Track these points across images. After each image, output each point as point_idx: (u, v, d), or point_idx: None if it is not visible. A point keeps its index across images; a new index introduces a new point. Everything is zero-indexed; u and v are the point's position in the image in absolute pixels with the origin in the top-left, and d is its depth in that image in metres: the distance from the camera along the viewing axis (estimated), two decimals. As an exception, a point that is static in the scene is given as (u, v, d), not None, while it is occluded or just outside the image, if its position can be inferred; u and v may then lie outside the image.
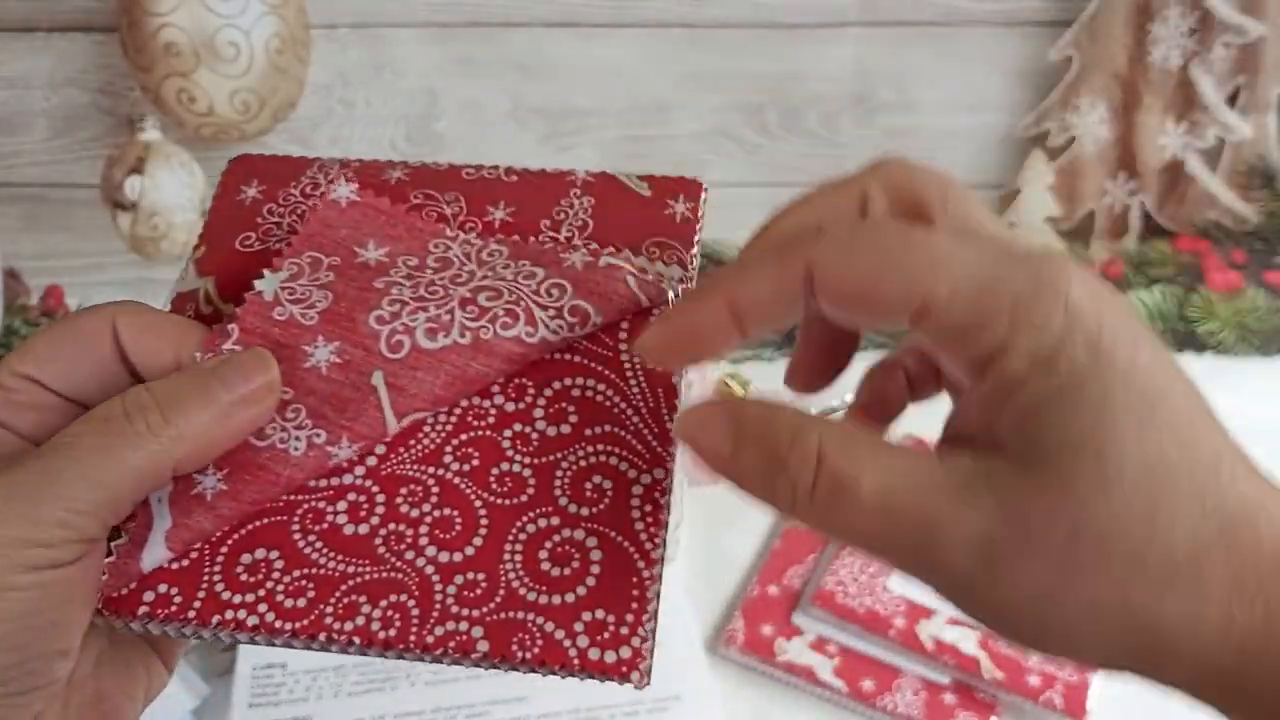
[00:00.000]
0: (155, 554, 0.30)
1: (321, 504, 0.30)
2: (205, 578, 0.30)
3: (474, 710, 0.64)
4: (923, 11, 0.88)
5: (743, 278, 0.27)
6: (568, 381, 0.32)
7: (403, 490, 0.31)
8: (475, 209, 0.37)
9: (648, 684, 0.28)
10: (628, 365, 0.33)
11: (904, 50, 0.90)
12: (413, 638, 0.28)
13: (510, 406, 0.32)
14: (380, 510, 0.30)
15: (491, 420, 0.32)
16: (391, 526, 0.30)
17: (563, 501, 0.30)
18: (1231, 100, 0.89)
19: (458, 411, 0.32)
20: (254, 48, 0.79)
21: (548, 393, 0.32)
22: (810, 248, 0.26)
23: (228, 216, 0.37)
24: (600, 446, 0.31)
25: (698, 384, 0.76)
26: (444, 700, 0.64)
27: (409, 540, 0.30)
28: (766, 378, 0.82)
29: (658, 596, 0.29)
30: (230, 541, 0.30)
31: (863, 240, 0.26)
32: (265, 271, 0.33)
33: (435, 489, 0.31)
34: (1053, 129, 0.91)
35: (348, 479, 0.31)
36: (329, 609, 0.29)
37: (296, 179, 0.37)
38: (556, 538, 0.30)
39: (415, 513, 0.30)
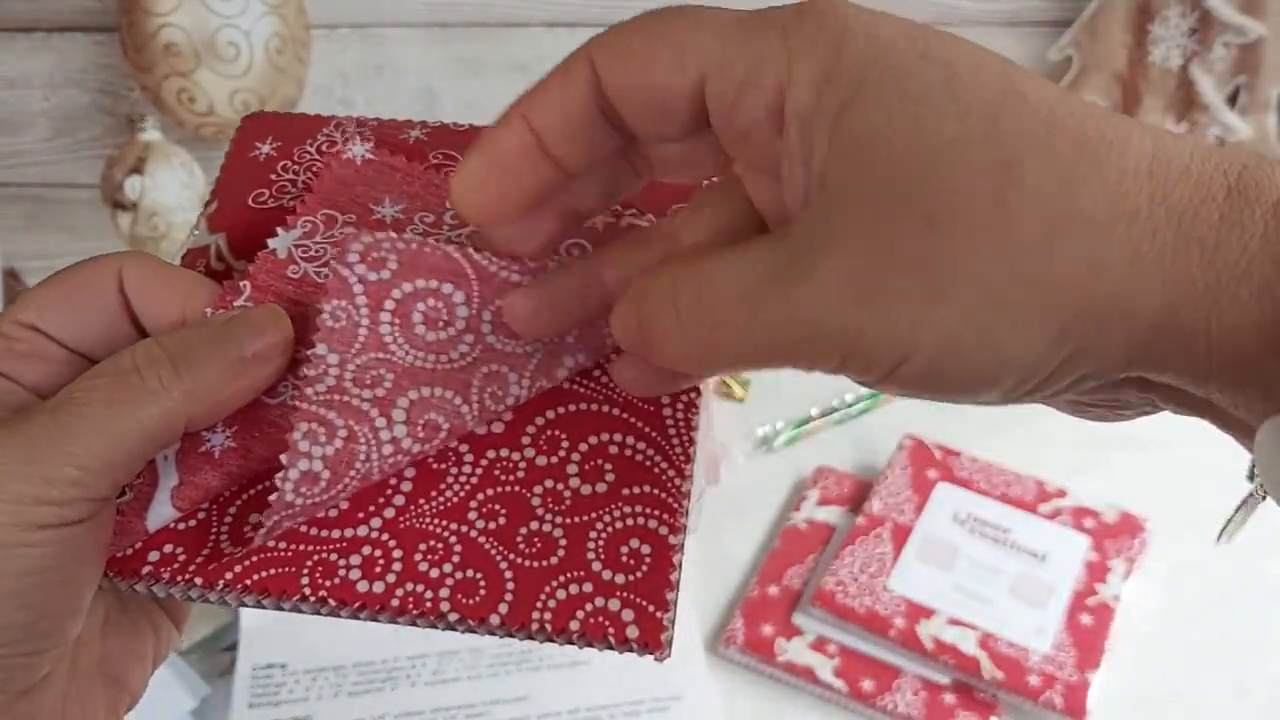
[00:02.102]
0: (161, 512, 0.29)
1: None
2: (211, 538, 0.29)
3: (474, 710, 0.64)
4: (923, 11, 0.88)
5: (535, 91, 0.26)
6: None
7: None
8: None
9: (668, 654, 0.27)
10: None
11: (904, 50, 0.89)
12: (428, 605, 0.28)
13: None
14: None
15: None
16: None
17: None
18: (1231, 100, 0.89)
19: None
20: (254, 48, 0.79)
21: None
22: (592, 44, 0.25)
23: (241, 173, 0.36)
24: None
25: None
26: (444, 700, 0.64)
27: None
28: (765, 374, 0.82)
29: (678, 583, 0.28)
30: (239, 502, 0.29)
31: (636, 24, 0.25)
32: (278, 229, 0.32)
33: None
34: (1053, 129, 0.91)
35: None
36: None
37: (312, 136, 0.36)
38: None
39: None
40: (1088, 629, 0.66)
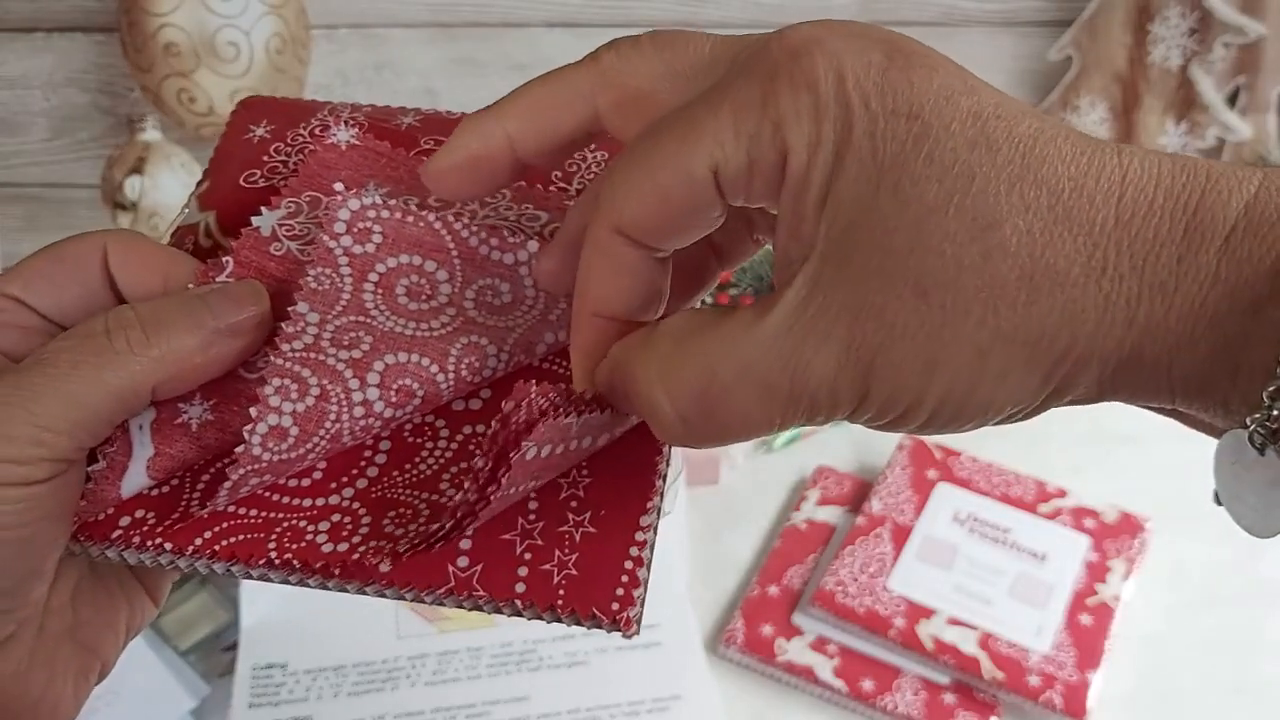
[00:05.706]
0: (135, 481, 0.29)
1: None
2: (182, 504, 0.29)
3: (474, 710, 0.64)
4: (923, 11, 0.88)
5: (521, 110, 0.28)
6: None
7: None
8: None
9: (636, 632, 0.27)
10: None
11: (904, 50, 0.89)
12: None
13: None
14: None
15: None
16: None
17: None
18: (1231, 100, 0.89)
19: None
20: (254, 48, 0.79)
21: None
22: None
23: (234, 153, 0.36)
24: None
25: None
26: (444, 700, 0.64)
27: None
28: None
29: (649, 566, 0.28)
30: (213, 470, 0.29)
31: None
32: (263, 208, 0.33)
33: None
34: (1053, 129, 0.91)
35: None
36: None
37: (306, 120, 0.36)
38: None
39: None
40: (1088, 629, 0.66)
